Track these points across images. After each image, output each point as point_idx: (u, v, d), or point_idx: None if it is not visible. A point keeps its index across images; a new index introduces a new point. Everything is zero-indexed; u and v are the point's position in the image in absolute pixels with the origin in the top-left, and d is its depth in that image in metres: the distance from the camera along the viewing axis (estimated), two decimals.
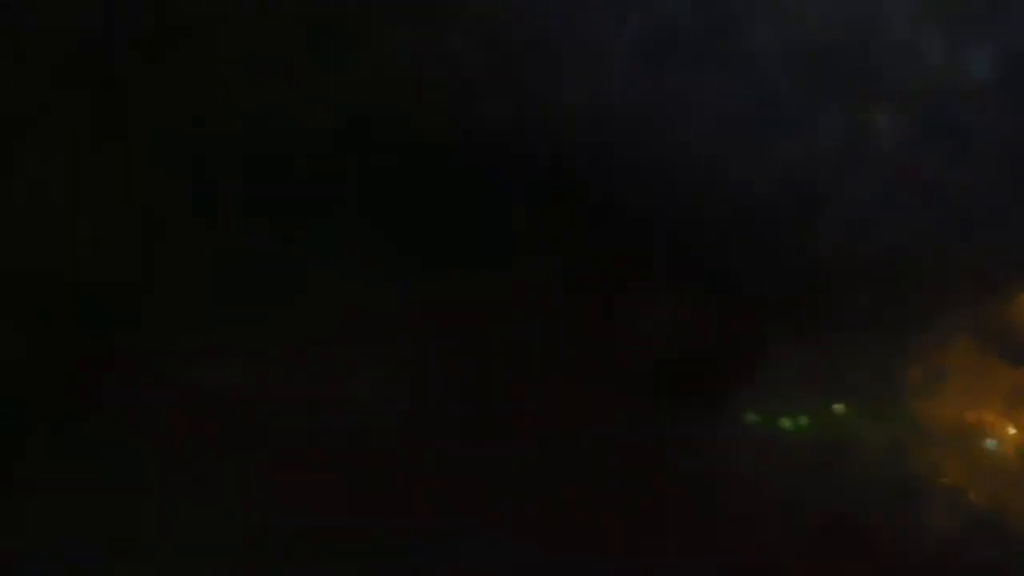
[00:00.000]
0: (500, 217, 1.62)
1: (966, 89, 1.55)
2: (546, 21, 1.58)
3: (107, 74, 1.60)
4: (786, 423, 1.64)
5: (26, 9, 1.57)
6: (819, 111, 1.56)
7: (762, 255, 1.60)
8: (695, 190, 1.58)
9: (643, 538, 1.58)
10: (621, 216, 1.61)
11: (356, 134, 1.61)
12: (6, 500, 1.57)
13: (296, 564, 1.56)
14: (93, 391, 1.60)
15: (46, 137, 1.61)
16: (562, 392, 1.63)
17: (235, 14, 1.59)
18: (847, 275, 1.60)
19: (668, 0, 1.56)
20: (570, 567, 1.57)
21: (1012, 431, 1.63)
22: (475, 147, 1.60)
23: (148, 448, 1.58)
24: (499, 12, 1.57)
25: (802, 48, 1.55)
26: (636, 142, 1.58)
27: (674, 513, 1.59)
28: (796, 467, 1.62)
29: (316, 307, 1.63)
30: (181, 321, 1.63)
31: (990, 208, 1.58)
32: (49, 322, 1.62)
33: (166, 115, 1.61)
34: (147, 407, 1.60)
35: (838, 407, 1.65)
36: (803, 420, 1.64)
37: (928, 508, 1.59)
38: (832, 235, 1.58)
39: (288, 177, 1.62)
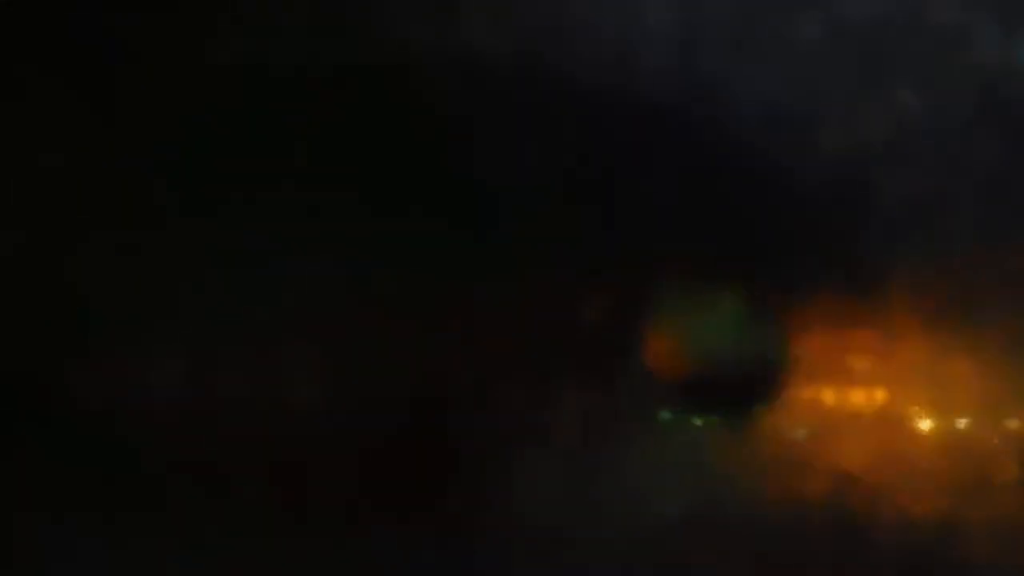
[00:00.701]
0: (520, 211, 1.57)
1: (1018, 74, 1.50)
2: (573, 7, 1.53)
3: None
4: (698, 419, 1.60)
5: None
6: (865, 98, 1.51)
7: (805, 250, 1.54)
8: (735, 182, 1.53)
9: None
10: (659, 210, 1.56)
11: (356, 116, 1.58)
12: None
13: (286, 561, 1.54)
14: (82, 391, 1.57)
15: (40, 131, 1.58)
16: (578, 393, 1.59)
17: None
18: (894, 272, 1.54)
19: None
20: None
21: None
22: (496, 137, 1.55)
23: (141, 447, 1.56)
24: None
25: (847, 31, 1.50)
26: (673, 132, 1.52)
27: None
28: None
29: (316, 306, 1.59)
30: (174, 322, 1.60)
31: None
32: (44, 321, 1.59)
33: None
34: (137, 407, 1.57)
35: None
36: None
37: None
38: (880, 229, 1.52)
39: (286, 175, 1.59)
